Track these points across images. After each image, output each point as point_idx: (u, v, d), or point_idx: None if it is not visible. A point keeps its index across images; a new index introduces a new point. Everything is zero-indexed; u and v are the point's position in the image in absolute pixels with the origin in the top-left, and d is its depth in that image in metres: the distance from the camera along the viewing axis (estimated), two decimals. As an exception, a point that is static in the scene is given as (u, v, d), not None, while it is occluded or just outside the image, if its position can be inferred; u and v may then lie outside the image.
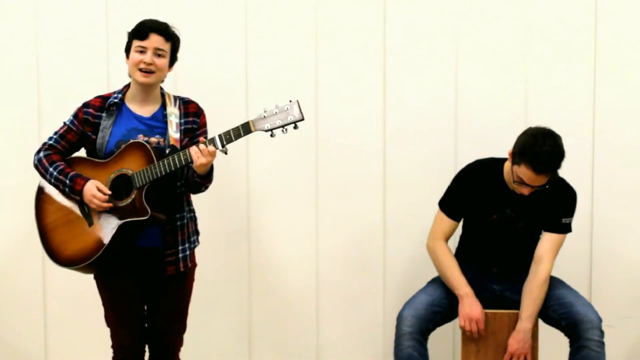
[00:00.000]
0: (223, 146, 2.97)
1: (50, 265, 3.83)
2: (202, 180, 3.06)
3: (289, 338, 3.96)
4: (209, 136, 3.10)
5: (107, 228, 3.04)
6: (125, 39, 3.77)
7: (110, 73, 3.81)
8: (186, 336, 3.30)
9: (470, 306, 3.31)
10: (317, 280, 3.92)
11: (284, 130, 2.96)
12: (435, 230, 3.44)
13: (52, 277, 3.89)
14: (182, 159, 2.97)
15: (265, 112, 2.95)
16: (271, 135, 2.96)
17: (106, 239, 3.04)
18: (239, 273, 3.92)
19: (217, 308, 3.91)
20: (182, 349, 3.32)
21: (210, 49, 3.79)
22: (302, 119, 2.94)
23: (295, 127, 2.96)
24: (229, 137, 2.96)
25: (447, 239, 3.42)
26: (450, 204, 3.42)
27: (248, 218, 3.90)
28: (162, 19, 3.23)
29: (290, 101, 2.96)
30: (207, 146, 2.96)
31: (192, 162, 2.98)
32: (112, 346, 3.26)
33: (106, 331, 3.25)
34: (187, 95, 3.31)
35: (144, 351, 3.27)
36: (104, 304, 3.23)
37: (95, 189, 3.02)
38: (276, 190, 3.89)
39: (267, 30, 3.83)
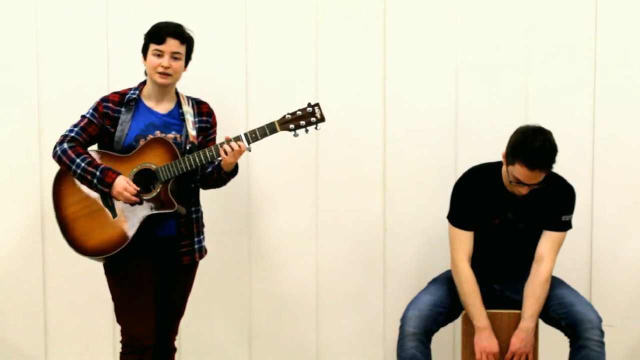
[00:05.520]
0: (249, 144, 3.14)
1: (50, 265, 3.86)
2: (229, 176, 3.26)
3: (289, 338, 3.96)
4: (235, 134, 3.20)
5: (132, 220, 3.15)
6: (125, 40, 3.80)
7: (110, 73, 3.81)
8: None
9: (487, 340, 3.30)
10: (317, 280, 3.92)
11: (307, 130, 3.17)
12: (456, 250, 3.37)
13: (52, 277, 3.89)
14: (209, 155, 3.14)
15: (288, 113, 3.16)
16: (295, 135, 3.16)
17: (131, 231, 3.15)
18: (239, 272, 3.92)
19: (217, 307, 3.91)
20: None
21: (210, 49, 3.78)
22: (324, 120, 3.18)
23: (317, 128, 3.18)
24: (254, 135, 3.15)
25: (470, 258, 3.36)
26: (460, 215, 3.38)
27: (249, 218, 3.90)
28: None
29: (312, 104, 3.17)
30: (236, 143, 3.12)
31: (218, 158, 3.14)
32: (122, 341, 3.23)
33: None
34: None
35: (152, 346, 3.22)
36: (115, 297, 3.25)
37: (125, 183, 3.12)
38: (277, 189, 3.89)
39: (267, 30, 3.83)
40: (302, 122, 3.15)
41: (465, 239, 3.37)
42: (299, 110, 3.16)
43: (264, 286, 3.93)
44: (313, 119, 3.16)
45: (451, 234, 3.40)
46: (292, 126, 3.15)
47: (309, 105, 3.16)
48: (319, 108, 3.16)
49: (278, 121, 3.15)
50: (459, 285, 3.36)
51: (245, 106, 3.84)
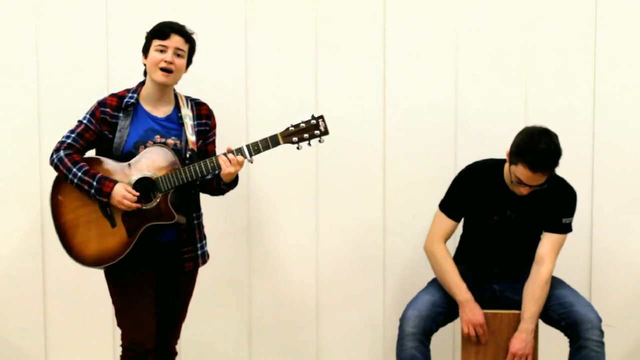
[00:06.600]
0: (251, 156, 3.08)
1: (50, 265, 3.86)
2: (228, 187, 3.20)
3: (289, 338, 3.96)
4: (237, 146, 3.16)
5: (131, 230, 3.09)
6: (125, 40, 3.79)
7: (110, 73, 3.80)
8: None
9: (471, 311, 3.31)
10: (317, 280, 3.92)
11: (309, 143, 3.10)
12: (434, 231, 3.41)
13: (52, 277, 3.89)
14: (210, 166, 3.08)
15: (292, 125, 3.08)
16: (298, 148, 3.09)
17: (131, 241, 3.09)
18: (239, 273, 3.92)
19: (217, 308, 3.91)
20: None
21: (210, 49, 3.78)
22: (328, 134, 3.09)
23: (320, 141, 3.11)
24: (257, 148, 3.09)
25: (446, 240, 3.40)
26: (451, 204, 3.41)
27: (248, 218, 3.90)
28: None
29: (316, 116, 3.09)
30: (235, 156, 3.06)
31: (219, 169, 3.07)
32: (122, 345, 3.21)
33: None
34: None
35: (153, 349, 3.21)
36: (116, 301, 3.21)
37: (124, 191, 3.06)
38: (276, 190, 3.89)
39: (267, 30, 3.83)
40: (306, 135, 3.07)
41: (446, 224, 3.39)
42: (303, 122, 3.08)
43: (264, 286, 3.93)
44: (317, 132, 3.08)
45: (435, 218, 3.42)
46: (295, 139, 3.07)
47: (313, 117, 3.08)
48: (323, 120, 3.08)
49: (281, 134, 3.08)
50: (435, 264, 3.37)
51: (245, 107, 3.83)
